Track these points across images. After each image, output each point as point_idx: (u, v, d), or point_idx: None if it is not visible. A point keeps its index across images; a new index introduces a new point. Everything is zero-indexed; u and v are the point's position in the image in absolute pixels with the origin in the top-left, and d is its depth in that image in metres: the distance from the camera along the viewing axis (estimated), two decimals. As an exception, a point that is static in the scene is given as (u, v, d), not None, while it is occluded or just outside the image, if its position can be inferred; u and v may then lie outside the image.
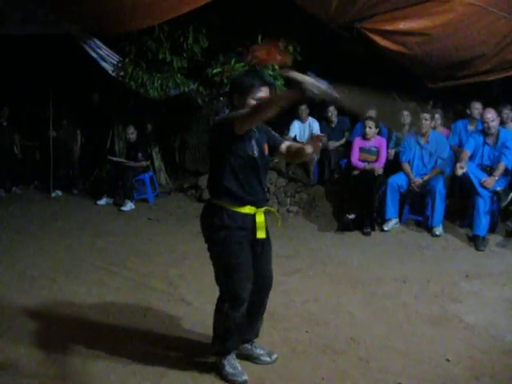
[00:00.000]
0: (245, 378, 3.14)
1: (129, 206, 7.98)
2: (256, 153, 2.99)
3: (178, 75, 7.85)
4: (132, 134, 8.52)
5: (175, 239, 6.35)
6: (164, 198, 8.62)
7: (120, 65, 7.97)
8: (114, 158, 8.76)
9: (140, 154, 8.47)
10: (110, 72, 8.07)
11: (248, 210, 3.03)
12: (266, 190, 3.21)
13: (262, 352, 3.38)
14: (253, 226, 3.05)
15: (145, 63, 7.84)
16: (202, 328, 3.81)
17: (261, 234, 3.06)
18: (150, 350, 3.59)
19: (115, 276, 5.04)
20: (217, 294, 4.09)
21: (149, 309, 4.26)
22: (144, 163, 8.55)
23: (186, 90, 8.13)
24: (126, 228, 6.96)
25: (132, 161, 8.46)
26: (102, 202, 8.32)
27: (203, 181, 8.48)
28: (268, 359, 3.36)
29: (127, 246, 6.06)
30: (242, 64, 7.60)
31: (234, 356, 3.24)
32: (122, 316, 4.14)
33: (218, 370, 3.21)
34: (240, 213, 3.01)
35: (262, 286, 3.21)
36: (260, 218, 3.06)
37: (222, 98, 8.47)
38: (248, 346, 3.39)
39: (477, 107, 7.14)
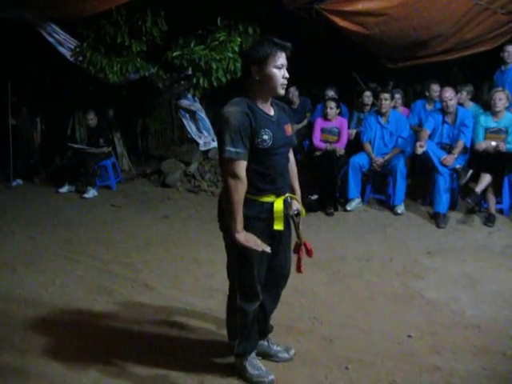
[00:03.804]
0: (272, 377, 2.98)
1: (91, 193, 7.88)
2: (269, 141, 2.68)
3: (138, 59, 7.73)
4: (92, 119, 8.39)
5: (138, 225, 6.30)
6: (127, 184, 8.54)
7: (78, 49, 7.81)
8: (75, 145, 8.63)
9: (101, 140, 8.35)
10: (68, 57, 7.91)
11: (266, 198, 2.77)
12: (287, 174, 2.93)
13: (279, 349, 3.23)
14: (270, 216, 2.78)
15: (103, 47, 7.69)
16: (165, 313, 3.80)
17: (278, 226, 2.80)
18: (112, 338, 3.57)
19: (78, 264, 4.98)
20: (180, 278, 4.08)
21: (112, 295, 4.23)
22: (106, 149, 8.43)
23: (147, 74, 8.03)
24: (89, 215, 6.87)
25: (93, 147, 8.33)
26: (64, 189, 8.20)
27: (166, 166, 8.44)
28: (286, 355, 3.22)
29: (90, 234, 5.99)
30: (202, 47, 7.54)
31: (255, 355, 3.07)
32: (84, 303, 4.10)
33: (240, 373, 3.03)
34: (257, 201, 2.75)
35: (278, 281, 3.05)
36: (278, 207, 2.78)
37: (182, 82, 8.39)
38: (264, 342, 3.21)
39: (435, 89, 7.21)
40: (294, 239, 3.03)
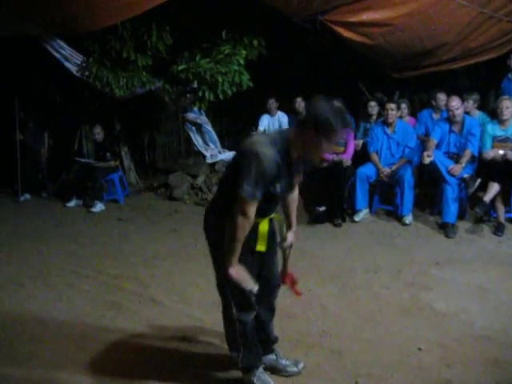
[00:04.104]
0: None
1: (98, 206, 7.89)
2: (279, 190, 2.73)
3: (144, 73, 7.76)
4: (98, 134, 8.42)
5: (146, 239, 6.29)
6: (134, 198, 8.55)
7: (84, 65, 7.85)
8: (82, 160, 8.66)
9: (108, 154, 8.38)
10: (75, 72, 7.95)
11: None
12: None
13: (287, 363, 3.21)
14: (255, 236, 2.82)
15: (109, 62, 7.74)
16: (173, 328, 3.79)
17: (261, 247, 2.86)
18: (120, 353, 3.55)
19: (85, 279, 4.97)
20: (188, 292, 4.07)
21: (120, 310, 4.22)
22: (113, 163, 8.46)
23: (152, 87, 8.07)
24: (96, 229, 6.87)
25: (100, 161, 8.35)
26: (72, 204, 8.22)
27: (173, 179, 8.45)
28: (295, 369, 3.19)
29: (97, 248, 5.98)
30: (207, 60, 7.57)
31: (262, 370, 3.06)
32: (92, 319, 4.08)
33: None
34: None
35: (268, 291, 3.06)
36: (264, 227, 2.85)
37: (188, 95, 8.42)
38: (272, 356, 3.21)
39: (441, 98, 7.18)
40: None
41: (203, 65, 7.53)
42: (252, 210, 2.61)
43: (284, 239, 3.11)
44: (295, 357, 3.30)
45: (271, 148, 2.59)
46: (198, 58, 7.61)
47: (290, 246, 3.14)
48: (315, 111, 2.59)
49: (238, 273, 2.70)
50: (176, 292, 4.53)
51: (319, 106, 2.59)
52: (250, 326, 2.94)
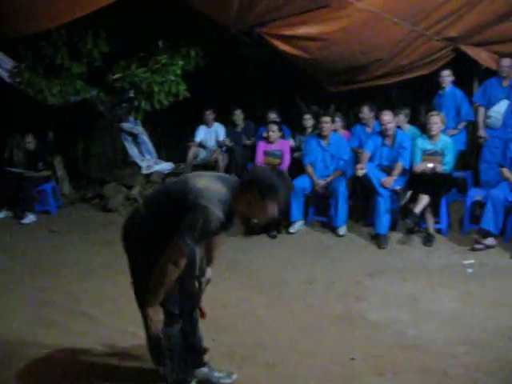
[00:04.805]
0: None
1: (29, 218, 7.63)
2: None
3: (78, 81, 7.61)
4: (30, 142, 8.15)
5: (79, 251, 6.13)
6: (67, 209, 8.32)
7: (15, 70, 7.62)
8: (13, 169, 8.36)
9: (40, 164, 8.12)
10: (6, 78, 7.70)
11: None
12: None
13: (221, 375, 3.19)
14: None
15: (42, 69, 7.54)
16: (105, 343, 3.70)
17: None
18: (49, 370, 3.44)
19: (15, 293, 4.80)
20: (121, 306, 3.99)
21: (49, 326, 4.08)
22: (45, 173, 8.21)
23: (87, 96, 7.92)
24: (27, 242, 6.64)
25: (32, 171, 8.10)
26: (1, 215, 7.91)
27: (108, 189, 8.29)
28: (229, 381, 3.18)
29: (27, 261, 5.79)
30: (144, 69, 7.49)
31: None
32: (19, 335, 3.94)
33: None
34: None
35: (188, 301, 3.03)
36: None
37: (124, 104, 8.31)
38: (204, 369, 3.16)
39: (365, 111, 7.36)
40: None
41: (139, 74, 7.45)
42: (184, 261, 2.62)
43: (202, 274, 3.12)
44: (229, 369, 3.28)
45: (220, 206, 2.59)
46: (134, 67, 7.52)
47: (208, 282, 3.16)
48: (258, 176, 2.67)
49: (155, 313, 2.73)
50: (109, 306, 4.43)
51: (261, 171, 2.72)
52: (175, 338, 2.91)
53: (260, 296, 4.63)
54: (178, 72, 7.58)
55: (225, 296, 4.61)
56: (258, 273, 5.26)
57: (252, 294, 4.68)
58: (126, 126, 8.69)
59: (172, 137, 10.07)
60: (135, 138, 8.76)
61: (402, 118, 7.12)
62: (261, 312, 4.28)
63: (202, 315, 3.15)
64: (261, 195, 2.60)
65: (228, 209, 2.65)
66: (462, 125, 7.18)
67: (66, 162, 9.43)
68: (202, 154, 8.49)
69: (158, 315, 2.74)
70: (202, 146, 8.54)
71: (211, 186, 2.64)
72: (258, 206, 2.64)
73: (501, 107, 6.92)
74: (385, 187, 6.19)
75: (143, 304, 2.78)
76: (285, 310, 4.37)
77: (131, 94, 7.85)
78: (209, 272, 3.15)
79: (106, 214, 7.91)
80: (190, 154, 8.38)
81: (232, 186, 2.70)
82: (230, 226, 2.84)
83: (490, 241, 5.78)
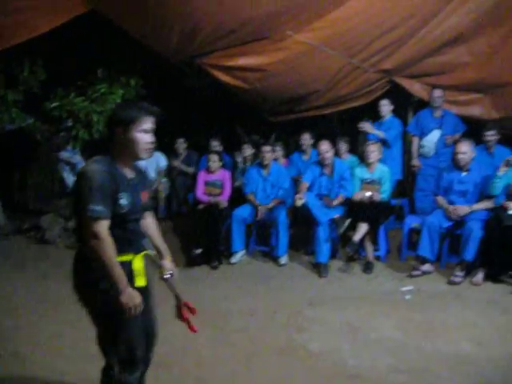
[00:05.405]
0: None
1: (-40, 251, 7.34)
2: (126, 204, 2.62)
3: (13, 109, 7.42)
4: (-37, 172, 7.90)
5: (12, 286, 5.85)
6: (2, 241, 8.02)
7: None
8: None
9: (-28, 194, 7.87)
10: None
11: (125, 257, 2.67)
12: (143, 234, 2.92)
13: None
14: (130, 276, 2.65)
15: (-25, 96, 7.34)
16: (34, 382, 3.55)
17: (140, 282, 2.69)
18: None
19: None
20: (53, 344, 3.84)
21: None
22: (-22, 203, 7.95)
23: (23, 124, 7.73)
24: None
25: (-38, 201, 7.82)
26: None
27: (45, 221, 8.04)
28: None
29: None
30: (82, 98, 7.39)
31: None
32: None
33: None
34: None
35: (149, 341, 2.88)
36: (138, 264, 2.72)
37: (62, 133, 8.16)
38: None
39: (305, 137, 7.57)
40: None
41: (78, 103, 7.34)
42: (103, 228, 2.51)
43: (163, 270, 2.98)
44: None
45: (98, 163, 2.58)
46: (72, 96, 7.40)
47: (172, 274, 2.99)
48: (113, 112, 2.71)
49: (130, 296, 2.56)
50: (41, 344, 4.25)
51: (116, 107, 2.71)
52: None
53: (201, 330, 4.51)
54: (118, 101, 7.50)
55: (165, 331, 4.48)
56: (199, 305, 5.05)
57: (193, 327, 4.61)
58: (64, 155, 8.52)
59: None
60: (73, 167, 8.58)
61: (342, 147, 7.27)
62: (202, 346, 4.21)
63: (193, 311, 3.03)
64: (124, 128, 2.61)
65: (110, 161, 2.63)
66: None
67: (1, 192, 9.13)
68: (143, 183, 8.37)
69: (134, 296, 2.57)
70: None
71: (87, 162, 2.66)
72: (128, 139, 2.63)
73: (433, 137, 7.18)
74: (327, 206, 6.31)
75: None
76: (227, 343, 4.32)
77: (69, 123, 7.71)
78: (167, 264, 2.98)
79: (43, 246, 7.64)
80: (130, 184, 8.25)
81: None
82: (143, 188, 2.79)
83: (426, 267, 5.93)
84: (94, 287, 2.59)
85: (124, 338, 2.66)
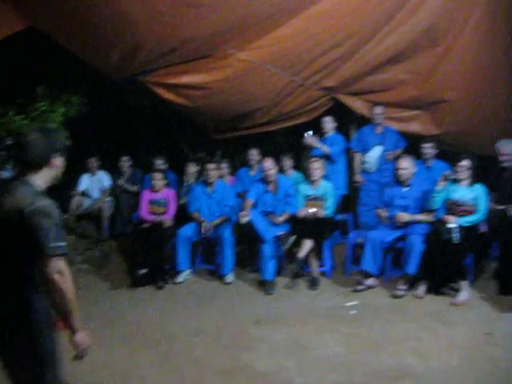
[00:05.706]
0: None
1: None
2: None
3: None
4: None
5: None
6: None
7: None
8: None
9: None
10: None
11: None
12: None
13: None
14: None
15: None
16: None
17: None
18: None
19: None
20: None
21: None
22: None
23: (-42, 143, 7.47)
24: None
25: None
26: None
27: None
28: None
29: None
30: (22, 116, 7.20)
31: None
32: None
33: None
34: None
35: None
36: None
37: (1, 152, 7.92)
38: None
39: (253, 153, 7.60)
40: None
41: (17, 121, 7.15)
42: (65, 265, 2.46)
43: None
44: None
45: (47, 198, 2.54)
46: (11, 114, 7.21)
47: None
48: (49, 143, 2.65)
49: (85, 337, 2.57)
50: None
51: (45, 137, 2.63)
52: None
53: (145, 353, 4.47)
54: (60, 119, 7.34)
55: (108, 354, 4.41)
56: (143, 327, 5.10)
57: (136, 350, 4.51)
58: (3, 174, 8.27)
59: (53, 186, 9.67)
60: (13, 187, 8.33)
61: (286, 164, 7.31)
62: (146, 370, 4.13)
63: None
64: (39, 165, 2.62)
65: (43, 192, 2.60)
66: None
67: None
68: (86, 203, 8.23)
69: (87, 338, 2.58)
70: (85, 194, 8.29)
71: (25, 195, 2.53)
72: (61, 165, 2.69)
73: (375, 153, 7.32)
74: (273, 223, 6.34)
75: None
76: (171, 366, 4.24)
77: (9, 142, 7.49)
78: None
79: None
80: (73, 204, 8.09)
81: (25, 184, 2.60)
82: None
83: (370, 281, 6.00)
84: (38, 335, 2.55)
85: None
